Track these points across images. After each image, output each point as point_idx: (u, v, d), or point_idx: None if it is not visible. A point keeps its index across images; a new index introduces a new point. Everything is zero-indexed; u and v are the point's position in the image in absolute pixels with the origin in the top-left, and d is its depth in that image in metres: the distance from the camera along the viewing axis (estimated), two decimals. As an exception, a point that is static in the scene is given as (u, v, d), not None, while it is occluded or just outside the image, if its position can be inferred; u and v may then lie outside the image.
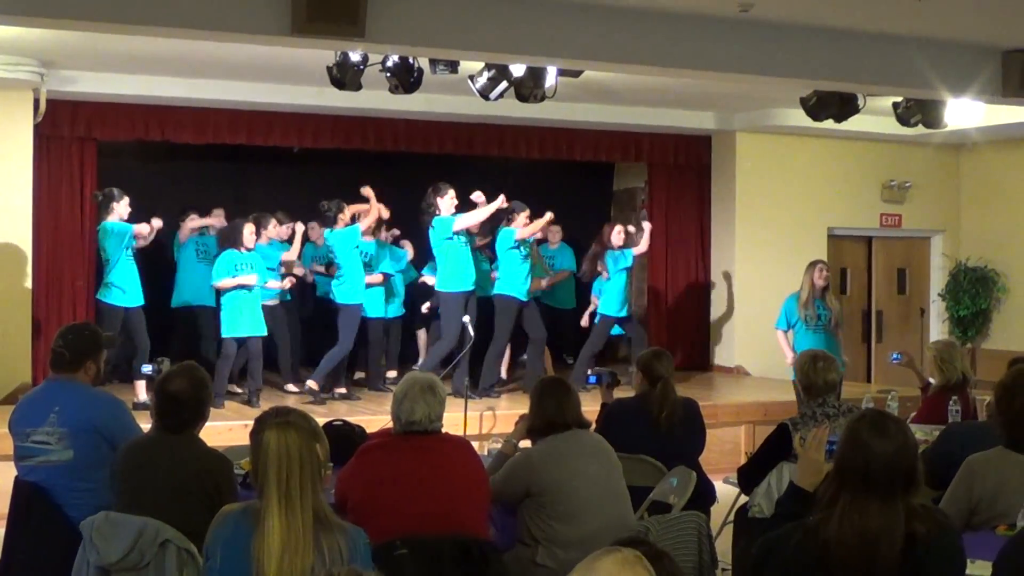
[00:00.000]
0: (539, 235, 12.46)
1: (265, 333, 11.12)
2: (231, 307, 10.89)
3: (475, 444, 5.71)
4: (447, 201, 11.46)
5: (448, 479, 5.02)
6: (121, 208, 10.77)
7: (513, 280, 11.84)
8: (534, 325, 12.09)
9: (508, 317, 11.84)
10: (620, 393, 7.79)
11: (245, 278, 10.84)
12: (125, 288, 10.71)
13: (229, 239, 11.05)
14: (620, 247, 12.46)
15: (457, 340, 11.34)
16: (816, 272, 10.88)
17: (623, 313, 12.46)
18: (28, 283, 11.52)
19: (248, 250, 10.98)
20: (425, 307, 12.68)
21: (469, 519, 5.01)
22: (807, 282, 10.88)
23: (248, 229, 11.00)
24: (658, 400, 6.94)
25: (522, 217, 11.94)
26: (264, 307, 11.23)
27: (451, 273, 11.47)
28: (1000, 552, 3.85)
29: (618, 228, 12.63)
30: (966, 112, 12.00)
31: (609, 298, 12.47)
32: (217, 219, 12.42)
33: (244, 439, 4.28)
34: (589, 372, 9.22)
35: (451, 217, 11.44)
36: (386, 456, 5.07)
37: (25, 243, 11.47)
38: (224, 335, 10.95)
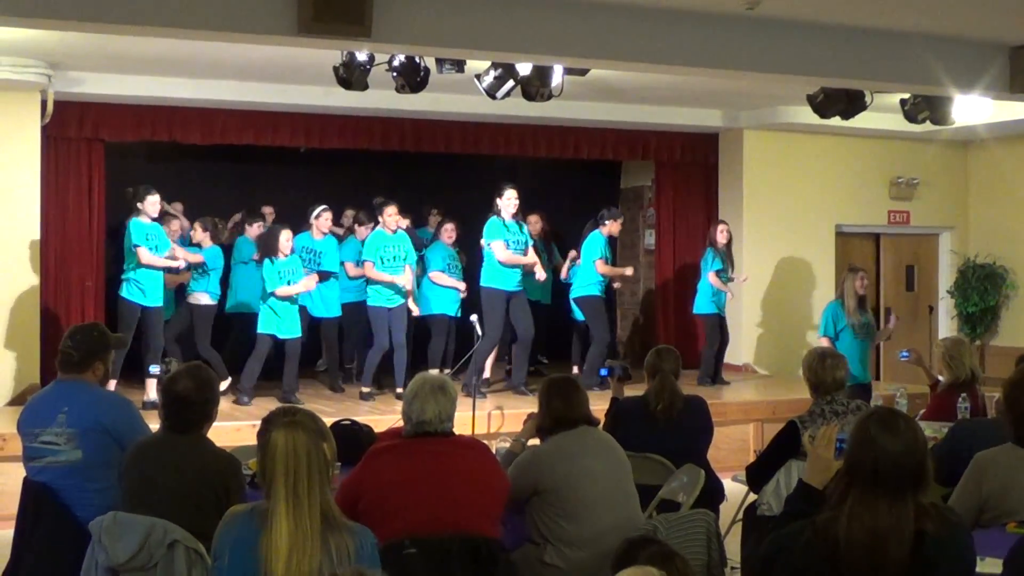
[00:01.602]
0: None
1: (300, 334, 11.23)
2: (270, 308, 11.00)
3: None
4: (504, 201, 11.56)
5: (459, 484, 4.97)
6: (149, 206, 10.78)
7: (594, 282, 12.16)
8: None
9: (600, 316, 12.17)
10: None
11: (297, 287, 11.01)
12: (145, 287, 10.71)
13: (267, 247, 11.11)
14: (724, 245, 12.75)
15: (498, 338, 11.57)
16: (856, 281, 10.76)
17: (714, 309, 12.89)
18: (36, 284, 11.54)
19: (286, 256, 11.04)
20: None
21: (480, 523, 4.97)
22: (851, 290, 10.74)
23: (284, 236, 11.05)
24: (655, 393, 6.95)
25: (616, 224, 12.27)
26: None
27: (495, 271, 11.55)
28: (1011, 550, 3.84)
29: (722, 227, 12.90)
30: (974, 108, 11.98)
31: (703, 296, 12.81)
32: (176, 212, 12.53)
33: (253, 439, 4.28)
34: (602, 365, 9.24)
35: (503, 232, 11.52)
36: (396, 460, 5.01)
37: (33, 244, 11.49)
38: (260, 331, 11.05)
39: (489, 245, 11.56)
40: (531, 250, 11.85)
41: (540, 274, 11.97)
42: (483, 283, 11.65)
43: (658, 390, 6.97)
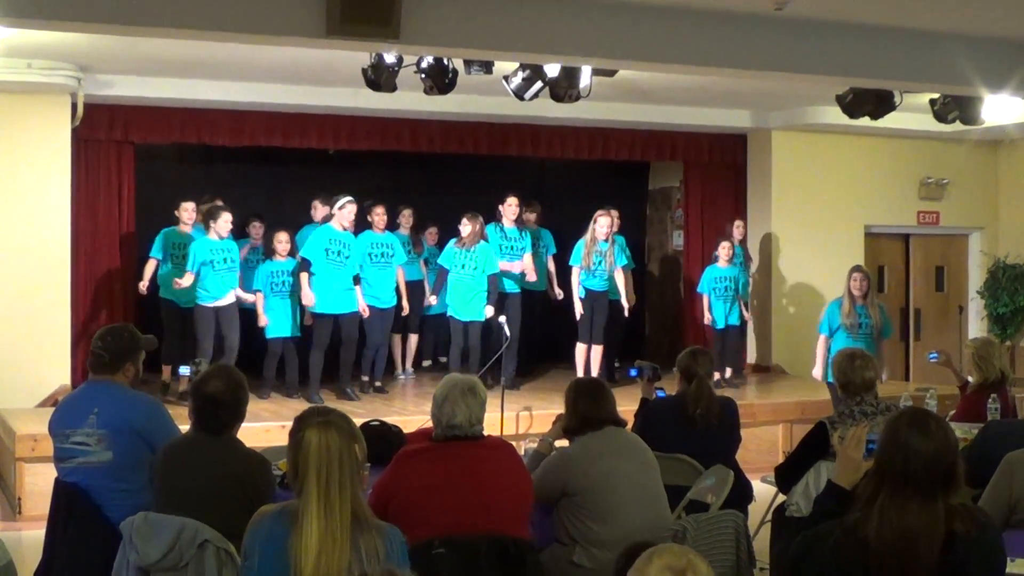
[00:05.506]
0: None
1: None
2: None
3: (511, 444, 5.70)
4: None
5: (489, 487, 4.98)
6: (220, 226, 11.04)
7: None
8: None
9: None
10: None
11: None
12: (210, 290, 10.94)
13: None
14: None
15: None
16: (851, 281, 10.72)
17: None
18: (67, 286, 11.60)
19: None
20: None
21: (509, 524, 4.98)
22: (846, 289, 10.74)
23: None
24: (693, 397, 6.94)
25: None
26: None
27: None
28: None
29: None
30: (1004, 108, 11.94)
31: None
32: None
33: (281, 440, 4.29)
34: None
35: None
36: (427, 464, 5.01)
37: (64, 246, 11.56)
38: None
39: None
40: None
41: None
42: None
43: (696, 394, 6.95)
